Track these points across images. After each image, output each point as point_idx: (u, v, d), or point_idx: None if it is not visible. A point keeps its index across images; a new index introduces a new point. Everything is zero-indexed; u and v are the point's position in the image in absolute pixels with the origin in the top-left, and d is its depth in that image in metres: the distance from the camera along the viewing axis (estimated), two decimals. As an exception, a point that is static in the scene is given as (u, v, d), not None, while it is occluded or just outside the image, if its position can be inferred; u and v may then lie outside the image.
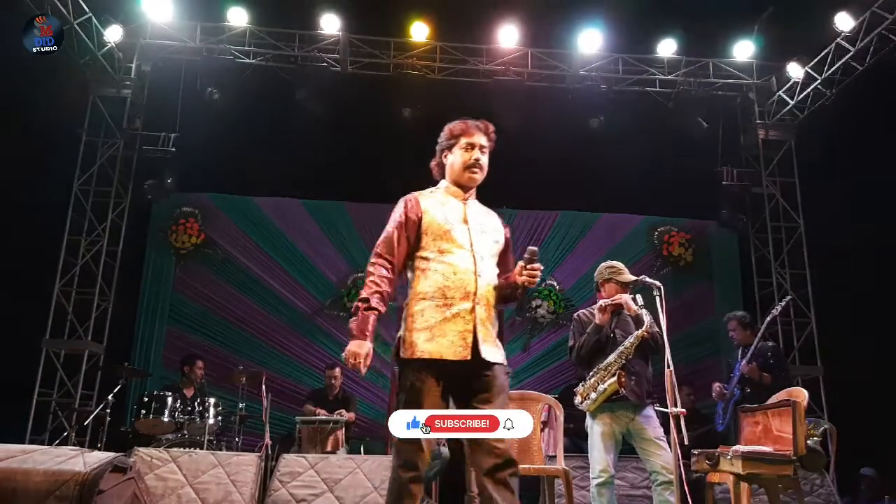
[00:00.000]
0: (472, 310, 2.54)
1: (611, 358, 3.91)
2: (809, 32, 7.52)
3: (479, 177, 2.76)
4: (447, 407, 2.53)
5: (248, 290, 8.01)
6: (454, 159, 2.76)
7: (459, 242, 2.62)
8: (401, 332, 2.61)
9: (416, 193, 2.78)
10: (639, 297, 3.99)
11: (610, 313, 4.01)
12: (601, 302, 4.01)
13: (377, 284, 2.57)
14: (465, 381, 2.53)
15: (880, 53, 6.92)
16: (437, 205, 2.71)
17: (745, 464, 3.58)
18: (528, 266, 2.57)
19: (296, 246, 8.19)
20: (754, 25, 7.95)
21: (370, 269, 2.64)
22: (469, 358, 2.49)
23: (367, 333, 2.49)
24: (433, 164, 2.87)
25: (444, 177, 2.83)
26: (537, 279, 2.59)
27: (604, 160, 7.39)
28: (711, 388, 5.42)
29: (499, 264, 2.74)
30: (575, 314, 4.26)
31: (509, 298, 2.73)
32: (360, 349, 2.47)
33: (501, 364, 2.60)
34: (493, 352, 2.57)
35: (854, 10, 7.05)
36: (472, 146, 2.74)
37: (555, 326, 8.31)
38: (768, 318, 5.07)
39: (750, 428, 4.15)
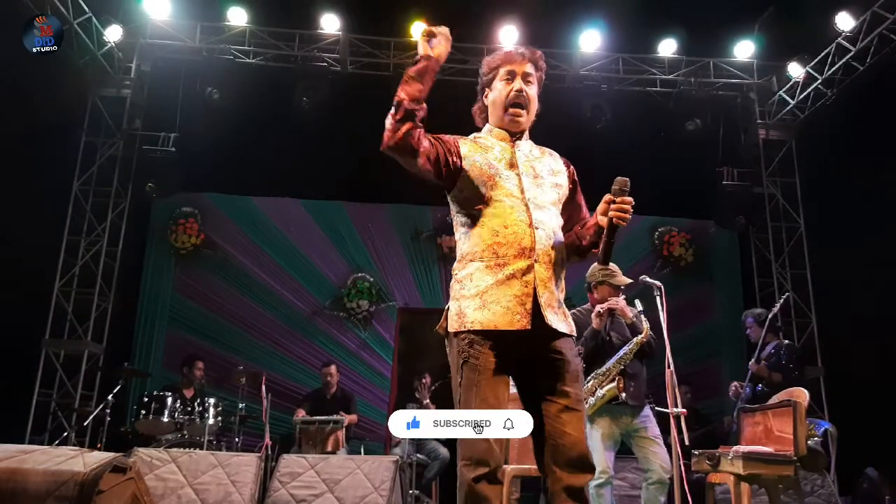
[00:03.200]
0: (530, 269, 2.13)
1: (609, 364, 3.92)
2: (810, 32, 7.51)
3: (524, 118, 2.30)
4: (509, 384, 2.15)
5: (248, 290, 8.00)
6: (494, 95, 2.32)
7: (508, 190, 2.20)
8: (448, 304, 2.24)
9: (455, 136, 2.32)
10: (637, 303, 3.97)
11: (606, 317, 4.02)
12: (599, 307, 4.01)
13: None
14: (529, 361, 2.15)
15: (881, 53, 6.91)
16: (478, 150, 2.27)
17: (746, 464, 3.58)
18: (618, 199, 2.09)
19: (296, 246, 8.18)
20: (755, 25, 7.94)
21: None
22: (529, 327, 2.09)
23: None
24: (475, 108, 2.44)
25: (484, 123, 2.42)
26: (629, 215, 2.09)
27: (604, 160, 7.37)
28: (726, 388, 5.41)
29: (565, 212, 2.33)
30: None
31: (585, 250, 2.29)
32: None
33: (570, 336, 2.21)
34: (558, 320, 2.17)
35: (855, 9, 7.05)
36: (513, 75, 2.29)
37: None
38: (769, 316, 5.04)
39: (751, 428, 4.15)
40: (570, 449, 2.09)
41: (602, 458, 3.86)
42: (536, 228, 2.17)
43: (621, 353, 3.91)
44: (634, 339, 3.91)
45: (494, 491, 2.03)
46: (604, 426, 3.91)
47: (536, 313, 2.12)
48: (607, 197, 2.13)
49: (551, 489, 2.09)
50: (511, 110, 2.28)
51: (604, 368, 3.92)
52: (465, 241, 2.25)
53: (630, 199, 2.10)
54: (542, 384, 2.15)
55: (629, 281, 3.84)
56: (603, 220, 2.14)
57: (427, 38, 2.24)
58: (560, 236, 2.25)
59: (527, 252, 2.15)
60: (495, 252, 2.16)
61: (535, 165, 2.30)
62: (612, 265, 4.08)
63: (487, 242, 2.17)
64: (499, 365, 2.11)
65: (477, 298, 2.14)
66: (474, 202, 2.22)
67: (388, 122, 2.18)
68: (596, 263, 4.10)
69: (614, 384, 3.82)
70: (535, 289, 2.13)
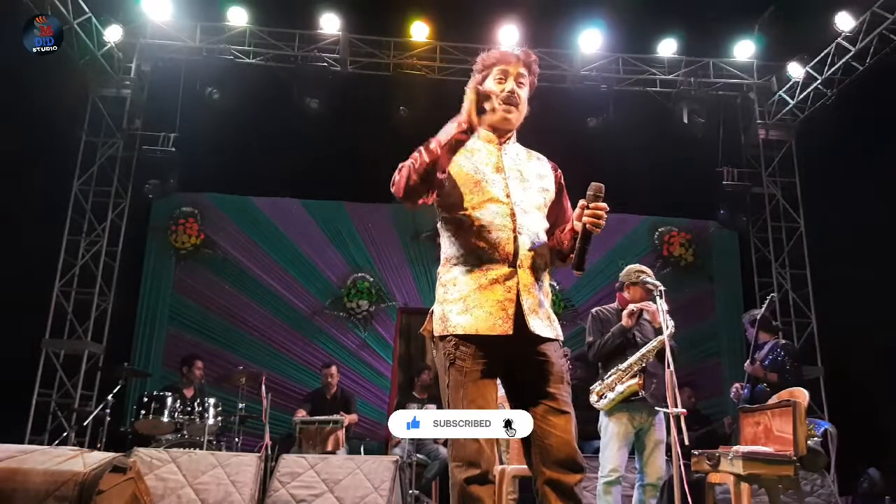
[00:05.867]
0: (514, 275, 2.14)
1: (631, 360, 3.93)
2: (810, 32, 7.51)
3: (515, 116, 2.29)
4: (496, 386, 2.16)
5: (248, 290, 7.99)
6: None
7: (493, 194, 2.20)
8: (433, 307, 2.26)
9: None
10: (663, 303, 3.93)
11: (637, 317, 4.02)
12: (631, 306, 4.01)
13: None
14: (513, 365, 2.16)
15: (881, 53, 6.91)
16: (464, 152, 2.25)
17: (746, 464, 3.58)
18: (592, 205, 2.11)
19: (296, 246, 8.18)
20: (755, 25, 7.94)
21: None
22: (511, 332, 2.09)
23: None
24: (465, 104, 2.35)
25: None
26: (603, 222, 2.12)
27: (604, 160, 7.39)
28: (726, 389, 5.39)
29: (550, 216, 2.33)
30: (593, 311, 4.26)
31: (565, 255, 2.28)
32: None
33: (554, 340, 2.20)
34: (542, 325, 2.16)
35: (854, 9, 7.04)
36: (506, 75, 2.29)
37: (554, 326, 8.29)
38: (758, 317, 5.03)
39: (750, 428, 4.15)
40: (557, 450, 2.08)
41: (615, 455, 3.88)
42: (520, 234, 2.18)
43: (644, 349, 3.91)
44: (659, 338, 3.91)
45: (487, 491, 2.03)
46: (621, 422, 3.92)
47: (519, 318, 2.12)
48: (582, 202, 2.14)
49: (541, 490, 2.09)
50: (503, 106, 2.27)
51: (625, 364, 3.93)
52: (450, 244, 2.25)
53: (604, 205, 2.11)
54: (528, 386, 2.16)
55: (661, 286, 3.81)
56: (578, 226, 2.16)
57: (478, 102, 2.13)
58: (544, 240, 2.26)
59: (510, 258, 2.15)
60: (479, 257, 2.17)
61: (523, 169, 2.30)
62: (646, 267, 4.12)
63: (471, 247, 2.18)
64: (485, 367, 2.12)
65: (460, 303, 2.15)
66: (459, 206, 2.21)
67: (410, 176, 2.10)
68: (631, 266, 4.15)
69: (635, 381, 3.83)
70: (518, 294, 2.13)
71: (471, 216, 2.19)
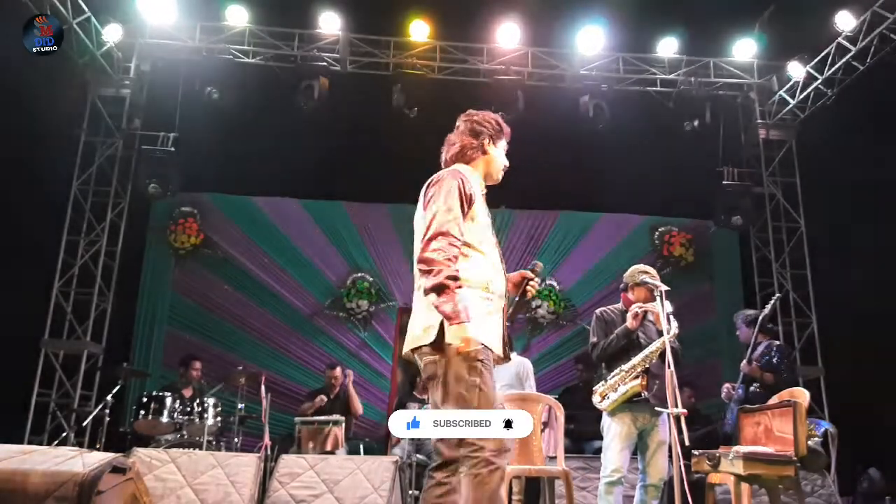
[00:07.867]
0: (505, 311, 2.52)
1: (635, 360, 3.91)
2: (810, 32, 7.51)
3: None
4: None
5: (247, 291, 7.99)
6: (497, 155, 2.69)
7: (495, 240, 2.55)
8: (430, 321, 2.34)
9: (460, 170, 2.55)
10: (668, 304, 3.91)
11: (642, 318, 4.00)
12: (635, 307, 3.99)
13: (452, 261, 2.33)
14: None
15: (881, 53, 6.90)
16: (479, 192, 2.59)
17: (746, 464, 3.58)
18: (533, 280, 2.62)
19: (295, 246, 8.17)
20: (755, 25, 7.93)
21: (441, 245, 2.32)
22: (505, 360, 2.49)
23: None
24: (468, 142, 2.63)
25: (466, 161, 2.64)
26: (531, 295, 2.67)
27: (604, 160, 7.38)
28: (721, 389, 5.38)
29: None
30: (597, 311, 4.24)
31: None
32: (472, 335, 2.30)
33: None
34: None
35: (855, 9, 7.04)
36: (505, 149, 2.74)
37: (555, 327, 8.30)
38: (760, 317, 5.03)
39: (751, 428, 4.15)
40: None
41: (617, 456, 3.87)
42: (507, 278, 2.57)
43: (648, 350, 3.90)
44: (662, 339, 3.89)
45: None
46: (624, 423, 3.91)
47: (505, 348, 2.48)
48: (527, 273, 2.64)
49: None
50: (502, 174, 2.71)
51: (628, 365, 3.91)
52: (464, 265, 2.41)
53: (538, 281, 2.66)
54: None
55: (666, 288, 3.79)
56: (513, 290, 2.62)
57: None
58: None
59: (503, 297, 2.51)
60: (488, 288, 2.44)
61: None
62: (650, 268, 4.09)
63: (485, 276, 2.45)
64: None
65: (475, 320, 2.33)
66: (477, 235, 2.46)
67: (448, 283, 2.30)
68: (635, 266, 4.13)
69: (638, 381, 3.82)
70: (505, 328, 2.49)
71: (483, 249, 2.47)
